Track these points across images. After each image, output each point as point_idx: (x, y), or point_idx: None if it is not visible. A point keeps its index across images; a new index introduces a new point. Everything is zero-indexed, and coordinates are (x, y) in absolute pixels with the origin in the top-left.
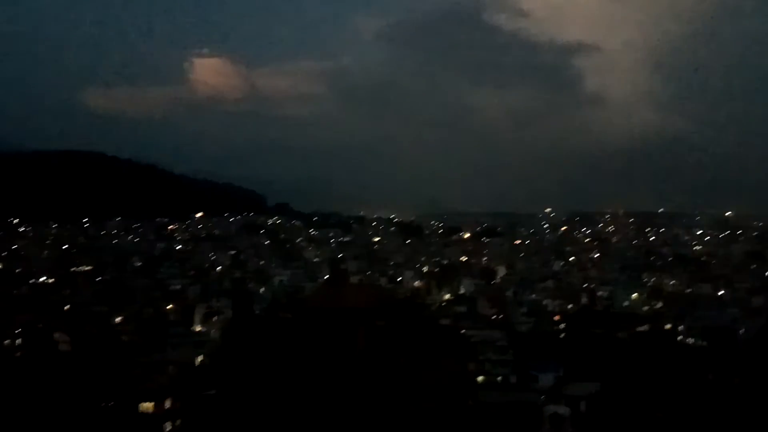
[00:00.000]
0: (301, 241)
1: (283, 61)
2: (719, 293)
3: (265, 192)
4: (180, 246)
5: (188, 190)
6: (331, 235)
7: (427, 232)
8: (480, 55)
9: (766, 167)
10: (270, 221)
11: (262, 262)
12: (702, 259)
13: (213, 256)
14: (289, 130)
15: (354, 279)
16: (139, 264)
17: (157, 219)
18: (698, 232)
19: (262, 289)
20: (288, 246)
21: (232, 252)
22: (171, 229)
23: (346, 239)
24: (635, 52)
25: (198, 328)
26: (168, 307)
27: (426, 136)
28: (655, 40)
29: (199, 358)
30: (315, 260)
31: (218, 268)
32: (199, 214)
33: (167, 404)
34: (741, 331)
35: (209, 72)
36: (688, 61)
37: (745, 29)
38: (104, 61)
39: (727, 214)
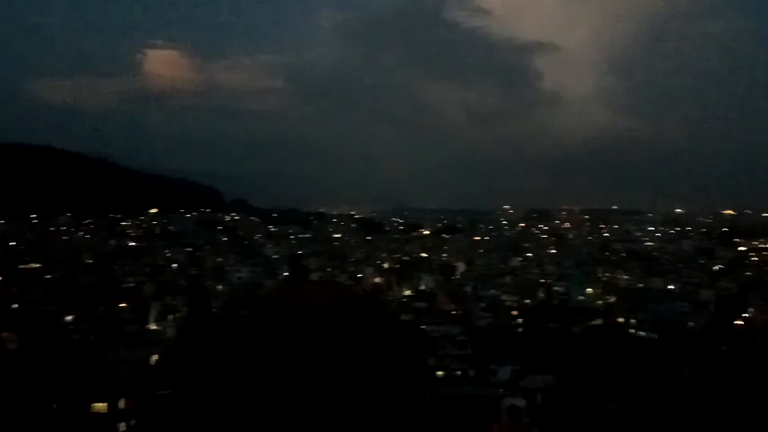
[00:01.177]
0: (260, 237)
1: (242, 54)
2: (669, 287)
3: (222, 188)
4: (133, 243)
5: (142, 185)
6: (290, 231)
7: (387, 228)
8: (440, 52)
9: (713, 166)
10: (227, 217)
11: (219, 259)
12: (653, 254)
13: (168, 252)
14: (246, 125)
15: (314, 276)
16: (91, 261)
17: (109, 215)
18: (650, 229)
19: (219, 287)
20: (246, 242)
21: (189, 249)
22: (123, 225)
23: (306, 236)
24: (592, 51)
25: (153, 327)
26: (121, 306)
27: (386, 132)
28: (610, 40)
29: (154, 357)
30: (274, 257)
31: (174, 266)
32: (153, 210)
33: (121, 404)
34: (690, 324)
35: (164, 64)
36: (641, 62)
37: (696, 31)
38: (52, 51)
39: (676, 211)
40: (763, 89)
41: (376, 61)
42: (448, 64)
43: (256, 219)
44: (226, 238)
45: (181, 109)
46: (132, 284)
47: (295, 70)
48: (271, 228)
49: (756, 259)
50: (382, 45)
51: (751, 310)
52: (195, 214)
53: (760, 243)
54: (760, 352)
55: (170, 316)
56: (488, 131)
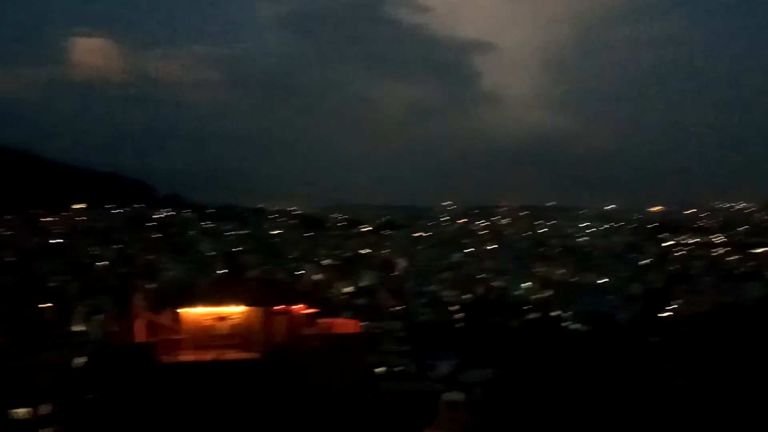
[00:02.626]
0: (194, 234)
1: (175, 43)
2: (601, 281)
3: (154, 182)
4: (57, 240)
5: (67, 179)
6: (227, 227)
7: (328, 224)
8: (380, 48)
9: (644, 164)
10: (160, 213)
11: (150, 257)
12: (586, 249)
13: (95, 250)
14: (181, 117)
15: (251, 273)
16: (12, 259)
17: (31, 210)
18: (583, 225)
19: (150, 285)
20: (179, 239)
21: (117, 246)
22: (46, 221)
23: (244, 232)
24: (529, 52)
25: (78, 328)
26: (44, 306)
27: (327, 126)
28: (546, 41)
29: (80, 360)
30: (209, 254)
31: (101, 264)
32: (79, 206)
33: (44, 410)
34: (619, 316)
35: (91, 52)
36: (576, 63)
37: (629, 34)
38: None
39: (608, 207)
40: (694, 91)
41: (316, 54)
42: (389, 61)
43: (191, 214)
44: (158, 235)
45: (111, 100)
46: (56, 283)
47: (232, 62)
48: (207, 224)
49: (681, 253)
50: (322, 39)
51: (677, 302)
52: (125, 210)
53: (685, 238)
54: (686, 343)
55: (96, 317)
56: (428, 128)
